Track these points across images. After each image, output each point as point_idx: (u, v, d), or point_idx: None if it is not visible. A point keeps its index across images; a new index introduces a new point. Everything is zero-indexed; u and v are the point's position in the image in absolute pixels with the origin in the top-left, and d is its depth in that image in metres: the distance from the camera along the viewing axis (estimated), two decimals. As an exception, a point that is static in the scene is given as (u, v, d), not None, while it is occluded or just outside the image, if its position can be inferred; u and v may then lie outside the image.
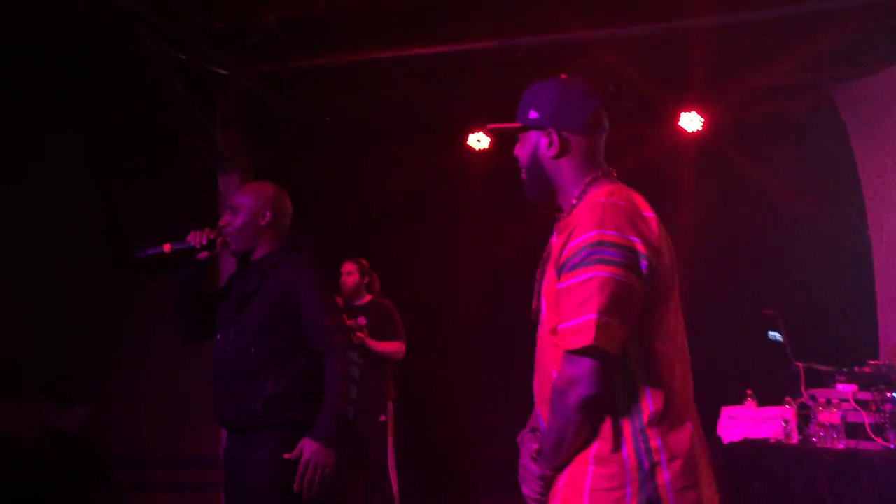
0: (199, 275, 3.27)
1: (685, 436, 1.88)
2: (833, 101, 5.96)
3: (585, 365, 1.82)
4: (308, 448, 3.00)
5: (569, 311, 1.84)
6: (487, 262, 6.64)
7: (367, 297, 5.94)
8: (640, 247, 1.85)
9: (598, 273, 1.81)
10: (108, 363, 6.46)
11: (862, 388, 4.04)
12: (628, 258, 1.83)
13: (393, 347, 5.82)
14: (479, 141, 6.40)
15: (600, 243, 1.83)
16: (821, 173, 6.23)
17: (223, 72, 5.52)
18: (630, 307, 1.84)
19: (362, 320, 5.76)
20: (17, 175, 6.44)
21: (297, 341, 3.12)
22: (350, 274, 5.86)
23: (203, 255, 3.23)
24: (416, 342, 6.15)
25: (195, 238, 3.21)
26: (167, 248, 3.17)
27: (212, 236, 3.21)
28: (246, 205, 3.26)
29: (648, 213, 1.94)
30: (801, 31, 5.27)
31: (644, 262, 1.85)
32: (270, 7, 4.94)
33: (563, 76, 2.08)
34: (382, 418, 5.83)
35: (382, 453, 5.83)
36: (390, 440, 5.88)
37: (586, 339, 1.80)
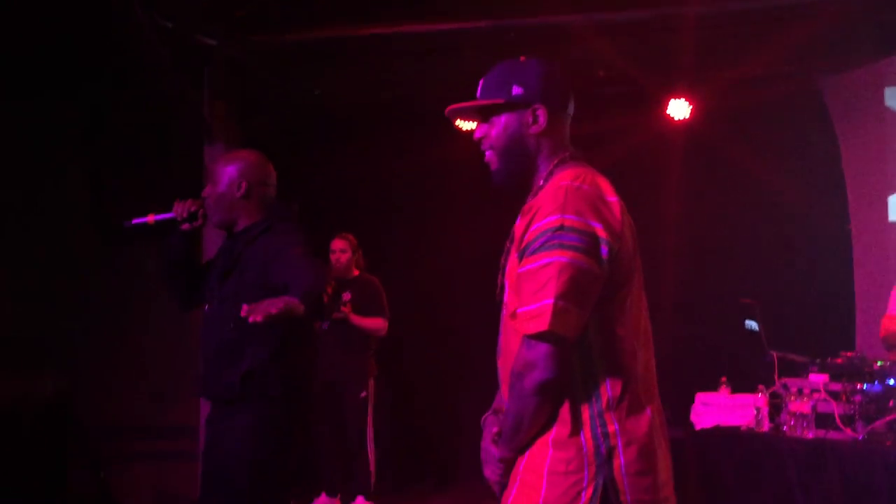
0: (183, 245, 3.24)
1: (643, 421, 1.90)
2: (820, 91, 5.98)
3: (542, 349, 1.83)
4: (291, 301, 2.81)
5: (527, 295, 1.85)
6: (475, 242, 6.63)
7: (355, 272, 5.96)
8: (600, 232, 1.86)
9: (557, 258, 1.82)
10: (87, 334, 6.46)
11: (834, 378, 4.09)
12: (588, 243, 1.84)
13: (376, 324, 5.86)
14: (464, 122, 6.39)
15: (560, 228, 1.84)
16: (806, 163, 6.26)
17: (211, 42, 5.50)
18: (588, 292, 1.85)
19: (347, 295, 5.78)
20: (8, 153, 6.43)
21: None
22: (343, 251, 5.88)
23: (185, 226, 3.19)
24: (403, 320, 6.18)
25: (178, 209, 3.18)
26: (151, 218, 3.17)
27: (192, 208, 3.18)
28: (222, 175, 3.19)
29: (612, 197, 1.93)
30: (791, 21, 5.28)
31: (604, 248, 1.86)
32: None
33: (523, 58, 2.07)
34: (363, 394, 5.87)
35: (361, 429, 5.87)
36: (370, 416, 5.93)
37: (542, 324, 1.81)
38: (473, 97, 2.10)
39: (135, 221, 3.17)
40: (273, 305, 2.65)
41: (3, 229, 6.42)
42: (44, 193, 6.43)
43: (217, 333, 3.14)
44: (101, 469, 5.35)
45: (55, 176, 6.50)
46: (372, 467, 5.89)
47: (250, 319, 2.64)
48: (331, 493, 5.81)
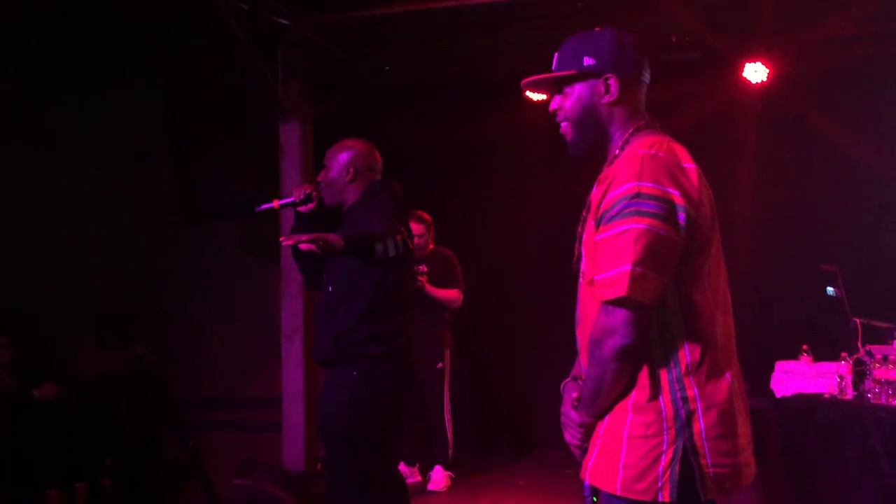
0: (304, 226, 3.50)
1: (723, 386, 1.92)
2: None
3: (620, 315, 1.86)
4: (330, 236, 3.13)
5: (605, 262, 1.88)
6: (548, 213, 6.65)
7: (430, 247, 6.03)
8: (677, 199, 1.87)
9: (635, 225, 1.84)
10: (178, 310, 6.71)
11: (920, 345, 4.00)
12: (665, 210, 1.85)
13: (451, 295, 5.93)
14: (536, 94, 6.36)
15: (637, 195, 1.85)
16: (891, 126, 6.05)
17: (285, 22, 5.59)
18: (666, 259, 1.86)
19: (423, 268, 5.86)
20: (92, 135, 6.68)
21: (365, 279, 3.36)
22: (421, 236, 5.93)
23: (303, 208, 3.51)
24: (478, 291, 6.23)
25: (297, 193, 3.53)
26: (276, 203, 3.51)
27: (308, 191, 3.51)
28: (334, 162, 3.55)
29: (689, 164, 1.94)
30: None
31: (682, 215, 1.87)
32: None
33: (598, 29, 2.08)
34: (440, 365, 5.95)
35: (439, 399, 5.97)
36: (447, 387, 6.02)
37: (620, 290, 1.84)
38: (544, 68, 2.13)
39: (263, 207, 3.51)
40: (306, 235, 3.00)
41: (94, 211, 6.70)
42: (131, 174, 6.69)
43: (322, 301, 3.51)
44: (191, 438, 5.57)
45: (140, 156, 6.74)
46: (450, 437, 5.98)
47: (283, 244, 3.01)
48: (409, 463, 5.92)
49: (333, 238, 3.07)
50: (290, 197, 3.53)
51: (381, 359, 3.37)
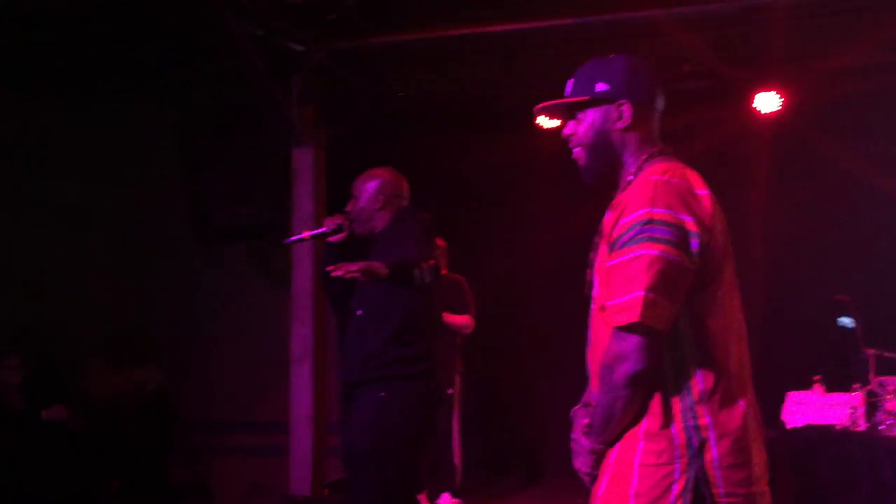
0: (334, 256, 3.54)
1: (737, 414, 1.89)
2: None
3: (632, 341, 1.85)
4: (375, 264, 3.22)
5: (617, 288, 1.87)
6: (558, 240, 6.65)
7: (443, 271, 6.03)
8: (690, 225, 1.86)
9: (647, 251, 1.84)
10: (187, 332, 6.72)
11: (934, 377, 3.97)
12: (678, 236, 1.85)
13: (463, 321, 5.92)
14: (549, 119, 6.38)
15: (650, 221, 1.85)
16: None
17: (300, 48, 5.65)
18: (678, 285, 1.86)
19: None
20: (106, 154, 6.73)
21: (394, 303, 3.42)
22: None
23: (333, 238, 3.58)
24: (488, 318, 6.23)
25: (327, 223, 3.60)
26: (306, 234, 3.65)
27: (339, 221, 3.59)
28: (362, 192, 3.62)
29: (702, 190, 1.94)
30: (887, 8, 5.12)
31: (694, 241, 1.86)
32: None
33: (612, 55, 2.09)
34: (450, 391, 5.93)
35: (448, 426, 5.94)
36: (456, 413, 5.99)
37: (633, 315, 1.83)
38: (556, 94, 2.13)
39: (294, 238, 3.67)
40: (354, 265, 3.07)
41: (104, 231, 6.73)
42: (143, 195, 6.72)
43: (351, 325, 3.55)
44: (198, 461, 5.56)
45: (153, 178, 6.78)
46: (458, 463, 5.95)
47: (332, 274, 3.05)
48: (417, 490, 5.89)
49: (378, 266, 3.14)
50: (322, 228, 3.61)
51: (409, 380, 3.43)
